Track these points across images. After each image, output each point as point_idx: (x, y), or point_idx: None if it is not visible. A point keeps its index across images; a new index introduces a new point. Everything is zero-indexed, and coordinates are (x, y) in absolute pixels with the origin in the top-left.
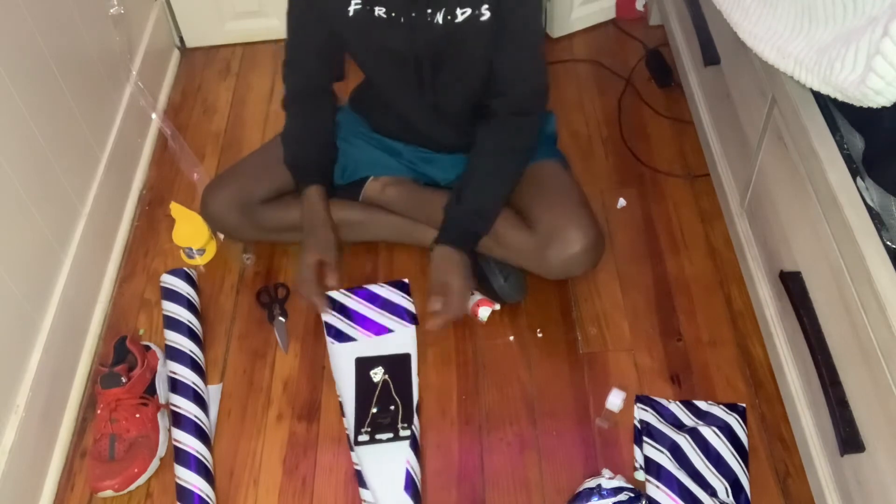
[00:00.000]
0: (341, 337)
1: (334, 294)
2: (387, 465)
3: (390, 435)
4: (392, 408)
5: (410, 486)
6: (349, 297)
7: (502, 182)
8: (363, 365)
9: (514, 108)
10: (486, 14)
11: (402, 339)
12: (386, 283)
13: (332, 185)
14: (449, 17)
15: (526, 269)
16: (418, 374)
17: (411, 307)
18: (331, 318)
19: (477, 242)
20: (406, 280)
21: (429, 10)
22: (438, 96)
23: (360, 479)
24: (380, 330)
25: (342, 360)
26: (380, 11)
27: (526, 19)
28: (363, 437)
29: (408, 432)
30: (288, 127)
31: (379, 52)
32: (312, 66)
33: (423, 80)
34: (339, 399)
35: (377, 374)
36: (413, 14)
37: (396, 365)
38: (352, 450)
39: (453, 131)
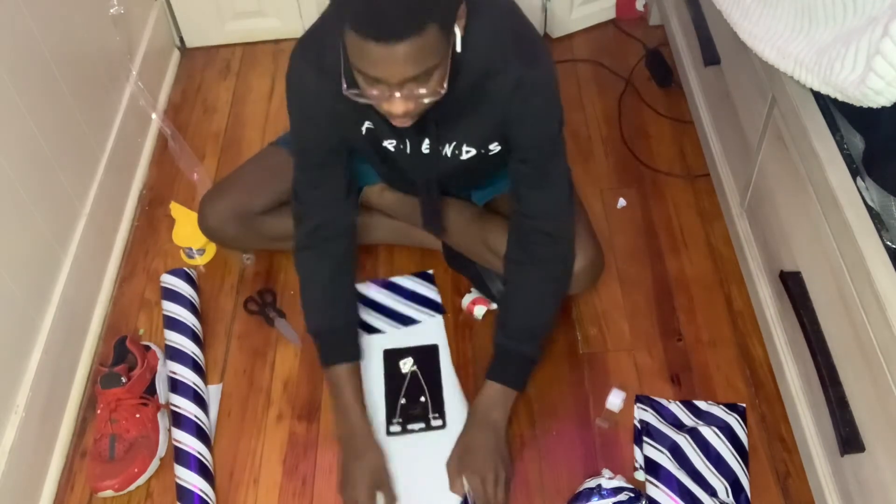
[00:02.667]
0: (369, 329)
1: (360, 286)
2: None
3: (422, 425)
4: (422, 399)
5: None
6: (375, 289)
7: (548, 310)
8: (392, 356)
9: (543, 221)
10: (495, 149)
11: (429, 329)
12: (411, 274)
13: (360, 354)
14: (456, 153)
15: None
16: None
17: (437, 297)
18: (360, 310)
19: (530, 374)
20: (431, 271)
21: (439, 141)
22: (443, 191)
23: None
24: (407, 321)
25: (370, 351)
26: (388, 144)
27: (546, 136)
28: (395, 428)
29: (439, 422)
30: (307, 287)
31: (385, 167)
32: (328, 188)
33: (428, 190)
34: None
35: (406, 365)
36: (421, 146)
37: (425, 355)
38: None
39: (459, 193)
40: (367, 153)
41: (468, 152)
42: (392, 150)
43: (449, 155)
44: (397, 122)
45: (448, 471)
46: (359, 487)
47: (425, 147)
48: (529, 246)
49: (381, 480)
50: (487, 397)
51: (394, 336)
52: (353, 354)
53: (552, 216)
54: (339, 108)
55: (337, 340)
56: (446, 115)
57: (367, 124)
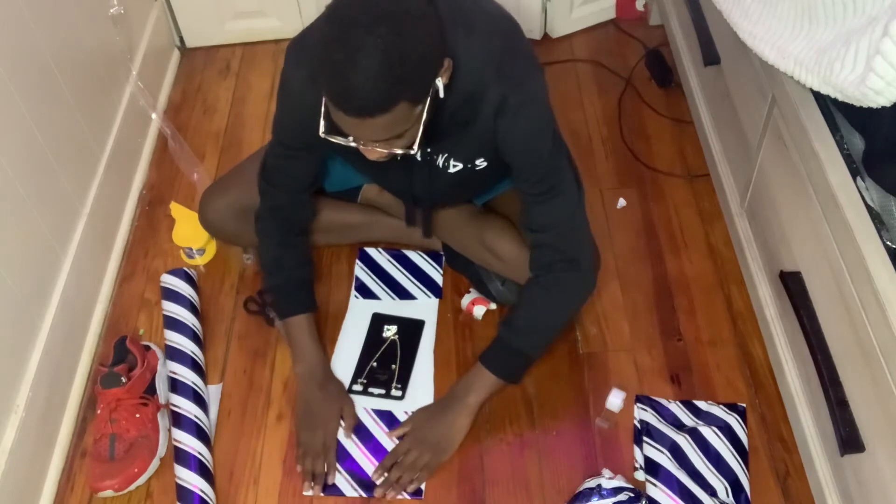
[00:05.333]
0: (367, 293)
1: (369, 250)
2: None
3: (382, 391)
4: (392, 366)
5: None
6: (384, 256)
7: (558, 321)
8: (379, 320)
9: (553, 233)
10: (481, 165)
11: (422, 307)
12: (422, 252)
13: (317, 307)
14: (446, 165)
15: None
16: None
17: (439, 280)
18: (361, 272)
19: (525, 372)
20: (441, 252)
21: (429, 150)
22: (433, 205)
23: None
24: (404, 294)
25: (360, 314)
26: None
27: (537, 154)
28: (357, 387)
29: (399, 393)
30: (264, 249)
31: (376, 173)
32: (295, 176)
33: (417, 202)
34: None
35: (389, 332)
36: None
37: (410, 328)
38: None
39: (455, 204)
40: (355, 162)
41: (455, 166)
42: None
43: (440, 166)
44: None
45: (409, 418)
46: (326, 415)
47: (419, 155)
48: (550, 268)
49: (345, 407)
50: (469, 379)
51: (387, 304)
52: (309, 306)
53: (561, 230)
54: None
55: (292, 294)
56: (435, 132)
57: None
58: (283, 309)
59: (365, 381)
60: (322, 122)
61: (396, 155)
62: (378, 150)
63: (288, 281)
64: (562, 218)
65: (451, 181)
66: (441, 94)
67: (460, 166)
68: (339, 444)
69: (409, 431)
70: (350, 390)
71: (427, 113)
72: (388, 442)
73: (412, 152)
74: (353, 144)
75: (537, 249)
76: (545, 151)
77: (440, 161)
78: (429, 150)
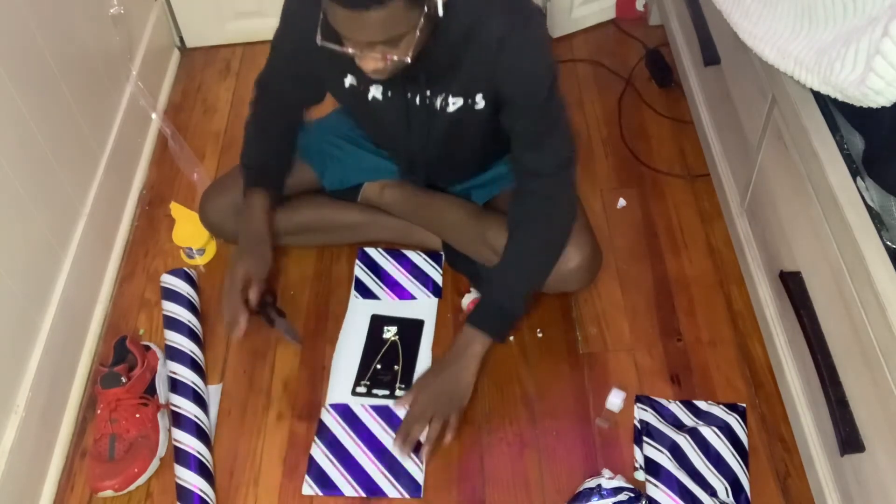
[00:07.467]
0: (366, 293)
1: (370, 250)
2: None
3: (387, 392)
4: (395, 367)
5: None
6: (384, 257)
7: (534, 267)
8: (378, 321)
9: (538, 181)
10: (480, 103)
11: (422, 307)
12: (422, 252)
13: (281, 195)
14: (444, 105)
15: None
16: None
17: (439, 280)
18: (361, 272)
19: (509, 327)
20: (441, 252)
21: (428, 92)
22: (431, 168)
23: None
24: (403, 294)
25: (359, 314)
26: (375, 92)
27: (534, 95)
28: (361, 389)
29: (403, 393)
30: (249, 127)
31: (372, 122)
32: (288, 92)
33: (414, 157)
34: (334, 357)
35: (389, 332)
36: (409, 95)
37: (410, 328)
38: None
39: (454, 177)
40: (354, 109)
41: (454, 103)
42: (381, 99)
43: (438, 108)
44: (371, 76)
45: (412, 386)
46: (239, 272)
47: (417, 99)
48: (526, 207)
49: (258, 268)
50: (465, 335)
51: (386, 304)
52: (276, 187)
53: (549, 176)
54: (327, 58)
55: (266, 170)
56: (435, 66)
57: (349, 80)
58: (252, 181)
59: (368, 384)
60: (319, 31)
61: (393, 74)
62: (373, 57)
63: (265, 162)
64: (551, 168)
65: (449, 128)
66: (440, 12)
67: (460, 102)
68: (339, 443)
69: (416, 395)
70: (354, 392)
71: (425, 26)
72: (388, 440)
73: (407, 60)
74: (349, 51)
75: (520, 198)
76: (544, 89)
77: (438, 102)
78: (427, 92)
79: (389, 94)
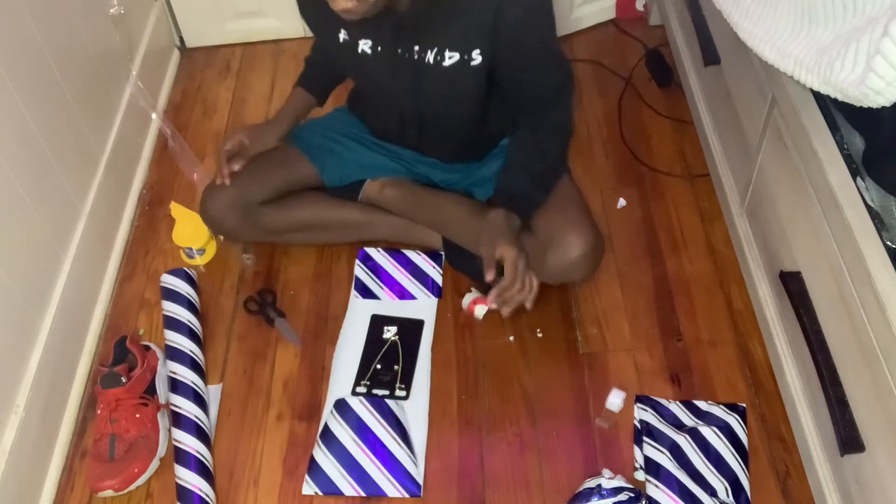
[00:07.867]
0: (366, 293)
1: (370, 250)
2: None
3: (387, 392)
4: (395, 367)
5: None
6: (384, 256)
7: (545, 156)
8: (378, 321)
9: (538, 104)
10: (477, 59)
11: (422, 307)
12: (422, 252)
13: (321, 104)
14: (438, 59)
15: None
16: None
17: (439, 280)
18: (361, 272)
19: (532, 209)
20: (442, 252)
21: (416, 48)
22: (423, 131)
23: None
24: (404, 294)
25: (359, 315)
26: (364, 46)
27: (532, 41)
28: (361, 389)
29: (403, 392)
30: (310, 56)
31: (366, 81)
32: (320, 75)
33: (406, 119)
34: (334, 358)
35: (389, 332)
36: (399, 51)
37: (410, 328)
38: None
39: (448, 146)
40: (348, 67)
41: (451, 57)
42: (370, 52)
43: (432, 62)
44: (342, 16)
45: (483, 250)
46: (249, 129)
47: (406, 54)
48: (528, 123)
49: (260, 137)
50: (497, 215)
51: (386, 304)
52: (319, 93)
53: (549, 102)
54: (322, 10)
55: (317, 77)
56: (426, 17)
57: (342, 34)
58: (301, 81)
59: (368, 384)
60: None
61: (364, 15)
62: None
63: (310, 74)
64: (551, 93)
65: (441, 86)
66: None
67: (457, 56)
68: (339, 443)
69: (497, 242)
70: (354, 392)
71: None
72: (388, 439)
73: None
74: None
75: (520, 120)
76: (537, 48)
77: (430, 57)
78: (416, 47)
79: (379, 48)
